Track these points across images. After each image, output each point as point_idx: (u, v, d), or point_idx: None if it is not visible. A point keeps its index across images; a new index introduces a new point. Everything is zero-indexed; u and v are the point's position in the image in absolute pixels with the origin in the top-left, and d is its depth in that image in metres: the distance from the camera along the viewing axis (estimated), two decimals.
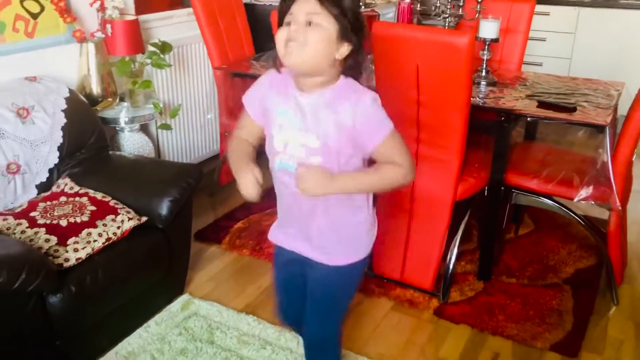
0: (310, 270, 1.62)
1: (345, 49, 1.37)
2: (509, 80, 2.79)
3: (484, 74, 2.68)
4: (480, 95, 2.53)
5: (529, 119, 2.39)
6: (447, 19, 2.86)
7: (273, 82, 1.49)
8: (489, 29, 2.61)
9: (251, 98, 1.54)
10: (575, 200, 2.36)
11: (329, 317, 1.69)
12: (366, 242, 1.61)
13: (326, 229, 1.54)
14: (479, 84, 2.66)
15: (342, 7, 1.34)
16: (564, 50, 4.65)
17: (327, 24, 1.33)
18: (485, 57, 2.67)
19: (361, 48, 1.39)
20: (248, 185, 1.41)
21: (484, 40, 2.64)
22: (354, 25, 1.36)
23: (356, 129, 1.38)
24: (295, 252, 1.61)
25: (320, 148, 1.41)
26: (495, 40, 2.65)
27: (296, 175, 1.41)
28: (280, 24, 1.39)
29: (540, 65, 4.62)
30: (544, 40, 4.60)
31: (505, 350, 2.23)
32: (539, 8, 4.26)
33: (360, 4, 4.23)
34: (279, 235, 1.66)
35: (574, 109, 2.35)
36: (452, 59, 2.08)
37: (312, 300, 1.66)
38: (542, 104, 2.41)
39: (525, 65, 3.25)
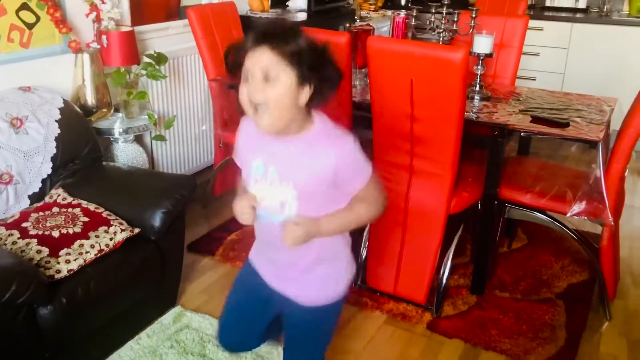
0: (288, 310, 1.61)
1: (307, 92, 1.32)
2: (503, 95, 2.80)
3: (477, 88, 2.70)
4: (474, 110, 2.55)
5: (522, 134, 2.40)
6: (442, 34, 2.88)
7: (248, 132, 1.49)
8: (483, 44, 2.63)
9: (235, 148, 1.55)
10: (568, 215, 2.37)
11: (312, 356, 1.68)
12: (345, 279, 1.59)
13: (305, 270, 1.53)
14: (472, 98, 2.67)
15: (296, 51, 1.28)
16: (557, 65, 4.68)
17: (284, 76, 1.29)
18: (479, 72, 2.69)
19: (324, 83, 1.34)
20: (244, 211, 1.44)
21: (478, 55, 2.66)
22: (313, 65, 1.30)
23: (338, 176, 1.37)
24: (270, 287, 1.60)
25: (297, 196, 1.40)
26: (489, 56, 2.67)
27: (281, 228, 1.40)
28: (230, 70, 1.37)
29: (534, 79, 4.65)
30: (538, 55, 4.63)
31: None
32: (533, 23, 4.31)
33: (355, 18, 4.26)
34: (257, 263, 1.64)
35: (567, 124, 2.36)
36: (446, 74, 2.09)
37: (292, 344, 1.66)
38: (535, 119, 2.42)
39: (519, 80, 3.28)
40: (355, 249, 2.73)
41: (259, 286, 1.61)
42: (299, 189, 1.39)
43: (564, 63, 4.67)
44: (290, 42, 1.29)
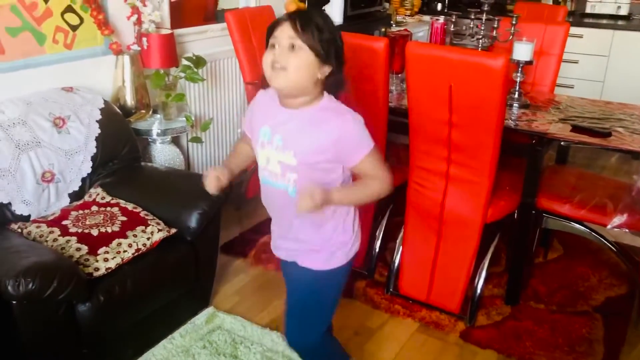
0: (291, 274, 1.71)
1: (326, 69, 1.47)
2: (542, 103, 2.76)
3: (516, 96, 2.66)
4: (513, 118, 2.51)
5: (562, 143, 2.35)
6: (481, 40, 2.85)
7: (261, 101, 1.61)
8: (522, 51, 2.59)
9: (247, 116, 1.68)
10: (609, 227, 2.32)
11: (307, 323, 1.71)
12: (347, 249, 1.65)
13: (310, 232, 1.61)
14: (511, 106, 2.63)
15: (319, 36, 1.42)
16: (597, 73, 4.59)
17: (307, 49, 1.42)
18: (518, 80, 2.65)
19: (340, 68, 1.49)
20: (210, 179, 1.60)
21: (518, 63, 2.62)
22: (332, 50, 1.46)
23: (338, 147, 1.47)
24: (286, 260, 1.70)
25: (297, 165, 1.49)
26: (529, 63, 2.63)
27: (297, 196, 1.48)
28: (267, 46, 1.47)
29: (572, 87, 4.57)
30: (577, 62, 4.55)
31: None
32: (573, 30, 4.22)
33: (391, 22, 4.25)
34: (275, 247, 1.75)
35: (609, 134, 2.31)
36: (486, 81, 2.06)
37: (290, 303, 1.74)
38: (576, 128, 2.38)
39: (557, 88, 3.22)
40: (388, 255, 2.73)
41: (285, 268, 1.74)
42: (299, 158, 1.48)
43: (603, 71, 4.58)
44: (319, 26, 1.43)
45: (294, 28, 1.41)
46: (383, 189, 1.55)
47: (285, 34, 1.42)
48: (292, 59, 1.42)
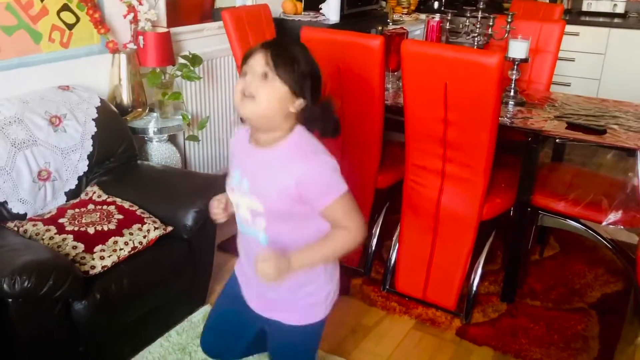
0: (268, 327, 1.64)
1: (300, 103, 1.42)
2: (538, 100, 2.77)
3: (512, 93, 2.67)
4: (508, 115, 2.52)
5: (557, 140, 2.36)
6: (476, 38, 2.86)
7: (238, 139, 1.58)
8: (518, 49, 2.60)
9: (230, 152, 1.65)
10: (604, 224, 2.33)
11: None
12: (325, 305, 1.60)
13: (283, 290, 1.53)
14: (507, 103, 2.64)
15: (292, 69, 1.38)
16: (593, 71, 4.60)
17: (280, 80, 1.38)
18: (514, 77, 2.65)
19: (316, 103, 1.43)
20: (214, 209, 1.62)
21: (513, 60, 2.63)
22: (307, 84, 1.40)
23: (301, 191, 1.39)
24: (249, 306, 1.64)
25: (264, 212, 1.45)
26: (525, 61, 2.64)
27: (254, 262, 1.43)
28: (240, 70, 1.44)
29: (569, 85, 4.58)
30: (573, 60, 4.57)
31: None
32: (569, 28, 4.23)
33: (388, 21, 4.25)
34: (239, 278, 1.70)
35: (603, 132, 2.32)
36: (481, 79, 2.07)
37: (274, 353, 1.69)
38: (571, 126, 2.38)
39: (553, 86, 3.23)
40: (384, 252, 2.73)
41: (241, 300, 1.66)
42: (264, 203, 1.44)
43: (600, 69, 4.59)
44: (294, 58, 1.39)
45: (268, 59, 1.38)
46: (351, 240, 1.44)
47: (258, 62, 1.38)
48: (263, 88, 1.38)
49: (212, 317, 1.80)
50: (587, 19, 4.68)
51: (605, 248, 2.62)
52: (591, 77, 4.62)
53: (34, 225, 2.09)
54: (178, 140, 3.16)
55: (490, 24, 2.82)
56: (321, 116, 1.45)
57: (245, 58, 1.42)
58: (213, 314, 1.80)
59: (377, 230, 2.77)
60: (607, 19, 4.63)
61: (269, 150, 1.45)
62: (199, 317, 2.40)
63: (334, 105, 1.48)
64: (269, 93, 1.38)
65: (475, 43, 2.86)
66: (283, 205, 1.43)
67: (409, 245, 2.54)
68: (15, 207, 2.16)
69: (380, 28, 4.17)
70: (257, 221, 1.48)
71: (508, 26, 2.75)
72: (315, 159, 1.41)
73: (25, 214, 2.19)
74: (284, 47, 1.41)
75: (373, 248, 2.76)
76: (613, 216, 2.30)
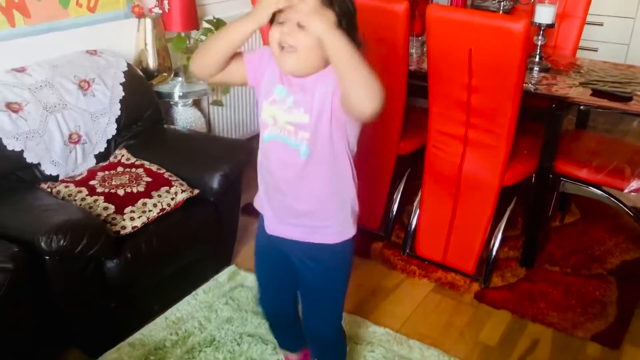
0: (295, 250, 1.57)
1: None
2: (563, 66, 2.74)
3: (537, 59, 2.64)
4: (533, 82, 2.50)
5: (581, 107, 2.35)
6: (502, 3, 2.82)
7: (271, 59, 1.44)
8: (544, 14, 2.56)
9: (254, 59, 1.48)
10: (626, 191, 2.33)
11: (331, 309, 1.65)
12: (354, 216, 1.55)
13: (313, 202, 1.49)
14: (532, 69, 2.62)
15: (330, 9, 1.31)
16: (622, 35, 4.49)
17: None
18: (539, 43, 2.63)
19: (353, 42, 1.31)
20: None
21: (539, 26, 2.60)
22: (344, 22, 1.33)
23: (335, 89, 1.34)
24: (279, 237, 1.57)
25: (310, 123, 1.39)
26: (551, 26, 2.61)
27: (306, 159, 1.39)
28: (272, 21, 1.34)
29: (596, 51, 4.48)
30: (601, 25, 4.46)
31: (545, 337, 2.24)
32: None
33: None
34: (261, 209, 1.63)
35: (629, 99, 2.30)
36: (506, 45, 2.06)
37: (307, 291, 1.64)
38: (596, 92, 2.37)
39: (580, 51, 3.18)
40: (405, 217, 2.77)
41: (273, 246, 1.61)
42: (311, 115, 1.38)
43: (629, 33, 4.47)
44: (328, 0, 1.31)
45: (305, 3, 1.28)
46: (378, 91, 1.29)
47: (295, 9, 1.29)
48: (301, 38, 1.30)
49: (258, 274, 1.78)
50: None
51: (627, 215, 2.64)
52: (620, 42, 4.51)
53: (66, 186, 2.16)
54: (202, 104, 3.20)
55: None
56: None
57: None
58: (257, 271, 1.77)
59: (398, 196, 2.80)
60: None
61: (309, 77, 1.39)
62: (224, 277, 2.48)
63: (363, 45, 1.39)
64: (308, 42, 1.30)
65: (501, 8, 2.82)
66: (327, 118, 1.38)
67: (429, 211, 2.58)
68: (48, 169, 2.24)
69: None
70: (300, 133, 1.41)
71: None
72: None
73: (57, 176, 2.26)
74: None
75: (394, 213, 2.80)
76: (635, 183, 2.30)
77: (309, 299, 1.66)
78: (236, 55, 1.46)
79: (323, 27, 1.25)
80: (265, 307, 1.82)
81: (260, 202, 1.63)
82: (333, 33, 1.25)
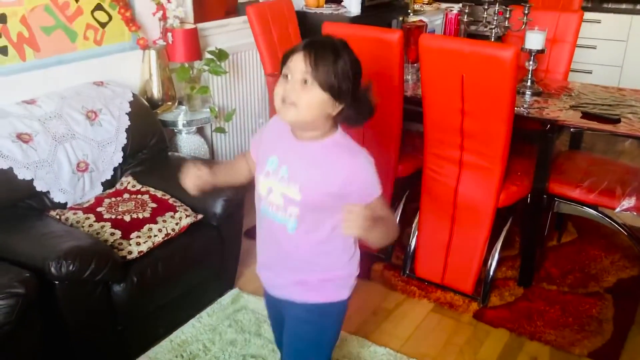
0: (288, 310, 1.59)
1: (340, 104, 1.39)
2: (555, 90, 2.82)
3: (529, 84, 2.73)
4: (525, 105, 2.59)
5: (572, 129, 2.43)
6: (494, 30, 2.92)
7: (273, 128, 1.54)
8: (535, 40, 2.66)
9: (255, 139, 1.61)
10: (617, 210, 2.39)
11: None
12: (348, 280, 1.57)
13: (306, 266, 1.52)
14: (524, 93, 2.71)
15: (334, 73, 1.34)
16: (615, 58, 4.60)
17: (320, 88, 1.35)
18: (530, 68, 2.71)
19: (355, 103, 1.40)
20: (188, 176, 1.60)
21: (530, 51, 2.69)
22: (348, 87, 1.36)
23: (347, 187, 1.39)
24: (274, 297, 1.61)
25: (301, 201, 1.41)
26: (541, 52, 2.70)
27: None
28: (281, 70, 1.40)
29: (590, 73, 4.59)
30: (595, 48, 4.57)
31: (543, 355, 2.29)
32: (590, 16, 4.26)
33: (409, 11, 4.31)
34: (259, 268, 1.68)
35: (618, 121, 2.38)
36: (496, 71, 2.15)
37: (289, 349, 1.64)
38: (586, 115, 2.45)
39: (574, 73, 3.27)
40: (404, 239, 2.83)
41: (273, 306, 1.67)
42: (305, 193, 1.41)
43: (622, 56, 4.58)
44: (335, 61, 1.35)
45: (308, 62, 1.33)
46: (395, 229, 1.47)
47: (298, 67, 1.34)
48: (304, 96, 1.34)
49: (271, 323, 1.81)
50: (609, 5, 4.67)
51: (623, 235, 2.69)
52: (613, 65, 4.62)
53: (74, 213, 2.24)
54: (206, 132, 3.29)
55: (507, 15, 2.88)
56: (359, 112, 1.43)
57: (285, 59, 1.38)
58: (270, 320, 1.82)
59: (397, 218, 2.86)
60: (630, 5, 4.61)
61: (312, 143, 1.44)
62: (228, 300, 2.54)
63: (372, 91, 1.45)
64: (309, 100, 1.35)
65: (493, 35, 2.92)
66: (322, 197, 1.41)
67: (428, 232, 2.64)
68: (57, 197, 2.31)
69: (401, 19, 4.24)
70: (289, 209, 1.44)
71: (525, 17, 2.81)
72: (362, 157, 1.42)
73: (66, 203, 2.34)
74: (325, 50, 1.36)
75: None
76: (627, 203, 2.37)
77: (290, 352, 1.65)
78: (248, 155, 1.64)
79: (359, 231, 1.30)
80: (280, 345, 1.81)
81: (258, 264, 1.68)
82: (370, 230, 1.32)
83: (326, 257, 1.52)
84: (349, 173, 1.40)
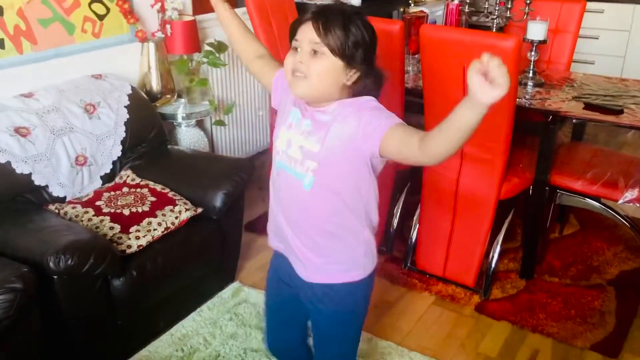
0: (308, 296, 1.51)
1: (353, 73, 1.33)
2: (557, 81, 2.80)
3: (531, 74, 2.71)
4: (527, 97, 2.56)
5: (574, 120, 2.41)
6: (495, 20, 2.89)
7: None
8: (536, 30, 2.63)
9: (282, 78, 1.46)
10: (620, 202, 2.38)
11: (340, 355, 1.59)
12: (366, 257, 1.48)
13: (317, 237, 1.43)
14: (526, 84, 2.68)
15: (344, 38, 1.28)
16: (617, 48, 4.57)
17: (330, 53, 1.29)
18: (532, 59, 2.69)
19: (370, 72, 1.34)
20: None
21: (532, 42, 2.66)
22: (360, 53, 1.31)
23: (361, 122, 1.31)
24: (288, 273, 1.52)
25: (319, 153, 1.35)
26: (543, 42, 2.67)
27: (309, 191, 1.35)
28: (290, 43, 1.35)
29: (593, 63, 4.56)
30: (597, 38, 4.53)
31: (545, 347, 2.28)
32: (593, 5, 4.22)
33: (410, 2, 4.28)
34: (272, 240, 1.57)
35: (620, 112, 2.35)
36: None
37: (316, 336, 1.58)
38: (588, 106, 2.42)
39: (577, 64, 3.24)
40: (405, 232, 2.81)
41: (286, 284, 1.56)
42: (324, 145, 1.34)
43: (624, 46, 4.55)
44: (342, 27, 1.29)
45: (316, 30, 1.28)
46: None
47: (306, 37, 1.30)
48: (314, 66, 1.30)
49: (267, 313, 1.71)
50: None
51: (625, 226, 2.67)
52: (616, 55, 4.59)
53: (73, 207, 2.22)
54: (205, 125, 3.27)
55: (509, 6, 2.85)
56: (375, 80, 1.37)
57: (293, 30, 1.34)
58: (267, 310, 1.70)
59: (398, 211, 2.85)
60: None
61: (323, 108, 1.37)
62: (228, 294, 2.53)
63: (385, 75, 1.40)
64: (320, 70, 1.30)
65: (494, 25, 2.89)
66: (342, 149, 1.34)
67: (429, 225, 2.62)
68: (55, 191, 2.30)
69: (401, 10, 4.21)
70: (306, 163, 1.36)
71: (527, 8, 2.78)
72: (365, 100, 1.36)
73: (65, 197, 2.32)
74: (334, 16, 1.30)
75: (395, 227, 2.84)
76: (629, 194, 2.35)
77: (317, 343, 1.60)
78: (274, 63, 1.55)
79: (488, 102, 1.11)
80: (274, 349, 1.76)
81: (270, 233, 1.56)
82: (485, 110, 1.14)
83: (335, 241, 1.43)
84: (359, 118, 1.32)
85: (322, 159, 1.35)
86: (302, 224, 1.45)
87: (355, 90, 1.36)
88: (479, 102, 1.11)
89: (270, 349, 1.77)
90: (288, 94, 1.44)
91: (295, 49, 1.33)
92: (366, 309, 1.56)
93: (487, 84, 1.07)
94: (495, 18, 2.88)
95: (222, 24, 1.62)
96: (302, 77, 1.31)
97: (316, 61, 1.30)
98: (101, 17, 2.71)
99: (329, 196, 1.39)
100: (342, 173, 1.37)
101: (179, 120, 2.91)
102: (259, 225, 3.12)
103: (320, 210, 1.41)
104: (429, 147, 1.24)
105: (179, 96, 3.01)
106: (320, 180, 1.37)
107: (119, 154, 2.52)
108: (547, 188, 2.54)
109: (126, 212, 2.21)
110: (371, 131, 1.30)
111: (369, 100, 1.37)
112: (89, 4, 2.63)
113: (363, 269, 1.48)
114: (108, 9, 2.72)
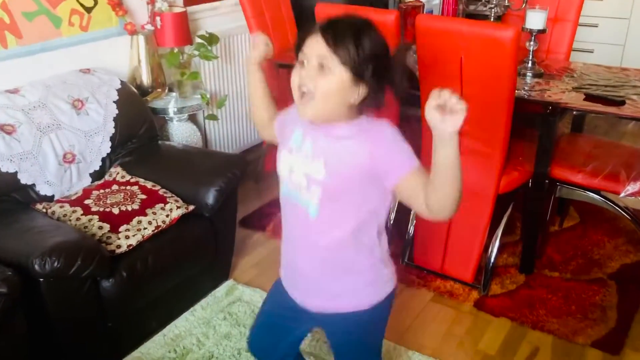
0: (328, 327, 1.51)
1: (362, 90, 1.26)
2: (556, 71, 2.74)
3: (530, 65, 2.64)
4: (526, 88, 2.50)
5: (575, 112, 2.35)
6: (493, 9, 2.83)
7: (290, 114, 1.44)
8: (535, 19, 2.57)
9: (281, 115, 1.50)
10: (622, 195, 2.33)
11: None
12: (376, 283, 1.45)
13: (323, 267, 1.41)
14: (524, 75, 2.62)
15: (354, 53, 1.21)
16: (617, 36, 4.50)
17: (338, 70, 1.23)
18: (531, 48, 2.63)
19: (380, 89, 1.27)
20: (260, 40, 1.46)
21: (531, 32, 2.60)
22: (370, 68, 1.23)
23: (374, 157, 1.26)
24: (298, 304, 1.48)
25: (324, 179, 1.30)
26: (542, 31, 2.61)
27: (315, 219, 1.32)
28: (296, 55, 1.29)
29: (592, 52, 4.49)
30: (596, 26, 4.46)
31: (545, 344, 2.23)
32: None
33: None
34: (283, 275, 1.56)
35: (622, 103, 2.30)
36: (496, 53, 2.06)
37: (339, 357, 1.57)
38: (589, 97, 2.36)
39: (575, 53, 3.18)
40: (402, 226, 2.76)
41: (289, 306, 1.51)
42: (329, 169, 1.29)
43: (624, 34, 4.48)
44: (354, 39, 1.22)
45: (326, 42, 1.22)
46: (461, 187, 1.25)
47: (314, 50, 1.23)
48: (321, 83, 1.23)
49: (261, 315, 1.67)
50: None
51: (626, 219, 2.62)
52: (615, 43, 4.52)
53: (61, 206, 2.16)
54: (198, 119, 3.21)
55: None
56: (383, 97, 1.30)
57: (300, 43, 1.27)
58: (261, 313, 1.67)
59: (395, 205, 2.80)
60: None
61: (331, 126, 1.32)
62: (222, 292, 2.48)
63: (404, 58, 1.32)
64: (328, 86, 1.24)
65: (492, 14, 2.83)
66: (349, 175, 1.29)
67: (426, 220, 2.56)
68: (43, 189, 2.24)
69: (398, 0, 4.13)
70: (312, 189, 1.32)
71: None
72: (380, 126, 1.30)
73: (53, 196, 2.27)
74: (346, 28, 1.23)
75: (392, 222, 2.79)
76: (631, 187, 2.30)
77: (338, 354, 1.59)
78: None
79: (454, 130, 1.14)
80: (255, 351, 1.69)
81: (282, 261, 1.56)
82: (456, 138, 1.15)
83: (346, 268, 1.39)
84: (372, 143, 1.27)
85: (325, 186, 1.31)
86: (305, 251, 1.43)
87: (363, 109, 1.30)
88: (447, 133, 1.15)
89: (252, 351, 1.71)
90: (287, 122, 1.43)
91: (302, 63, 1.27)
92: (383, 326, 1.54)
93: (446, 115, 1.13)
94: (493, 7, 2.81)
95: (251, 87, 1.58)
96: (310, 98, 1.26)
97: (323, 78, 1.24)
98: (89, 10, 2.64)
99: (334, 229, 1.35)
100: (345, 206, 1.33)
101: (171, 114, 2.85)
102: (254, 221, 3.07)
103: (325, 241, 1.37)
104: (434, 207, 1.25)
105: (170, 90, 2.94)
106: (326, 208, 1.33)
107: (108, 150, 2.46)
108: (547, 181, 2.49)
109: (115, 210, 2.15)
110: (389, 169, 1.27)
111: (383, 127, 1.30)
112: None
113: (374, 295, 1.45)
114: (96, 2, 2.65)
